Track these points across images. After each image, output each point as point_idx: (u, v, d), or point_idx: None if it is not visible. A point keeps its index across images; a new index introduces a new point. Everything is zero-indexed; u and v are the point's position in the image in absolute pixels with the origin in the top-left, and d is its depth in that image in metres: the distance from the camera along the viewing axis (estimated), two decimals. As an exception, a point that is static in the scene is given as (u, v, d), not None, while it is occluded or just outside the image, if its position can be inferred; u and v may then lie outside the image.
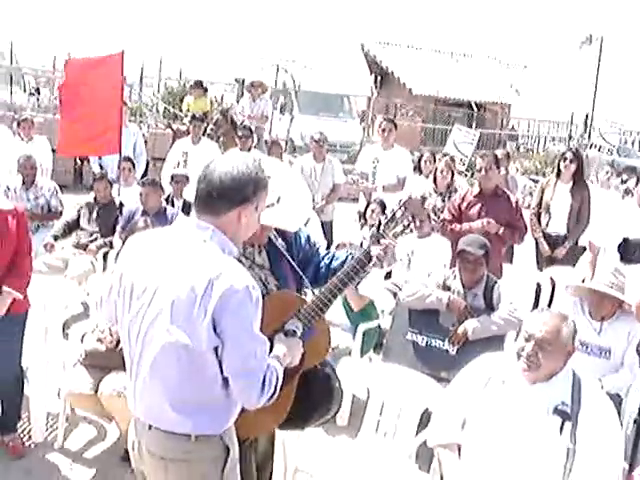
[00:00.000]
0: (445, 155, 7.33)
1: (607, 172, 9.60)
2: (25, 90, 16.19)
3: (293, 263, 2.94)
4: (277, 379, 2.17)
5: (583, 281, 4.76)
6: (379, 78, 22.98)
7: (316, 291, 2.80)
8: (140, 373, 2.19)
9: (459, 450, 2.96)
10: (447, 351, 4.30)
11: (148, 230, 2.35)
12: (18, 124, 8.60)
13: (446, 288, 4.51)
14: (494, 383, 2.97)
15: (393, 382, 3.83)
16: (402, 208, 2.78)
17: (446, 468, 2.91)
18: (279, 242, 2.94)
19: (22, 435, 4.21)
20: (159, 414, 2.18)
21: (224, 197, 2.10)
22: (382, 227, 2.81)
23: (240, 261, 2.54)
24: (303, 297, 2.86)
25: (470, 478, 2.85)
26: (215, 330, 2.04)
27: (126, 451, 4.01)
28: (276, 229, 2.90)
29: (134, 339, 2.18)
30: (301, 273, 2.94)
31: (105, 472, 3.98)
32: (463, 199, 5.72)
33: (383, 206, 6.26)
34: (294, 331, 2.54)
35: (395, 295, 4.93)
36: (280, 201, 2.63)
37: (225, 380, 2.14)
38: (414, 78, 24.43)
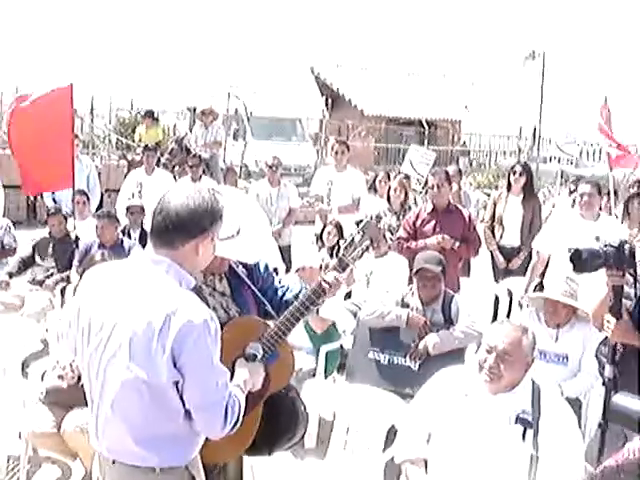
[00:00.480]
0: (401, 174, 7.43)
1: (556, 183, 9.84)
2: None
3: (255, 290, 2.95)
4: (239, 407, 2.18)
5: (535, 290, 4.88)
6: (330, 100, 23.24)
7: (277, 317, 2.84)
8: (101, 409, 2.18)
9: (426, 465, 3.00)
10: (410, 367, 4.34)
11: (105, 264, 2.33)
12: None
13: (405, 305, 4.56)
14: (456, 396, 3.02)
15: (358, 401, 3.85)
16: (360, 232, 2.82)
17: (413, 484, 2.94)
18: (240, 269, 2.95)
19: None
20: (122, 449, 2.16)
21: (181, 230, 2.10)
22: (342, 252, 2.84)
23: (200, 289, 2.56)
24: (265, 322, 2.87)
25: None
26: (175, 365, 2.03)
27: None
28: None
29: (94, 375, 2.17)
30: (263, 299, 2.97)
31: (71, 512, 3.91)
32: (417, 216, 5.82)
33: (339, 228, 6.33)
34: (255, 355, 2.56)
35: (355, 315, 4.97)
36: (240, 233, 2.64)
37: (188, 412, 2.14)
38: (365, 99, 24.72)
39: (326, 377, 4.83)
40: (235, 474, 3.16)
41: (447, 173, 5.90)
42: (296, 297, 2.95)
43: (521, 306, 5.68)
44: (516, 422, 2.88)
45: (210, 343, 2.06)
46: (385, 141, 22.64)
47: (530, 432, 2.85)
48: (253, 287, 2.95)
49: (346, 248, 2.83)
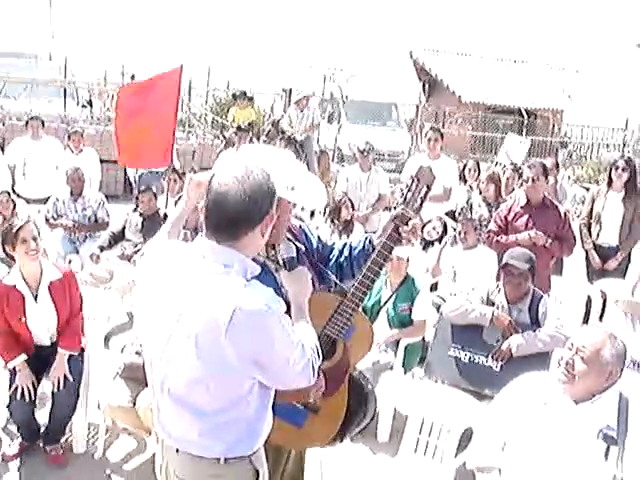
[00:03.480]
0: (497, 164, 7.19)
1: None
2: (78, 103, 16.53)
3: (314, 260, 2.85)
4: (317, 349, 2.16)
5: (633, 295, 4.58)
6: (427, 86, 22.82)
7: (346, 286, 2.73)
8: (163, 399, 2.13)
9: (499, 474, 2.86)
10: (491, 368, 4.18)
11: (171, 247, 2.23)
12: (69, 137, 8.78)
13: (490, 303, 4.39)
14: (536, 404, 2.86)
15: (434, 399, 3.74)
16: (415, 181, 2.67)
17: (485, 493, 2.81)
18: (296, 244, 2.86)
19: (64, 445, 4.26)
20: (187, 439, 2.12)
21: (242, 221, 1.99)
22: (402, 207, 2.67)
23: (265, 265, 2.49)
24: (336, 296, 2.75)
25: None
26: (246, 358, 1.96)
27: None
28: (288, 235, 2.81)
29: (156, 363, 2.12)
30: (324, 269, 2.87)
31: (144, 484, 3.99)
32: (510, 210, 5.58)
33: (444, 225, 6.28)
34: (291, 258, 2.59)
35: (439, 308, 4.83)
36: (295, 189, 2.52)
37: (256, 402, 2.09)
38: (463, 85, 24.12)
39: (405, 372, 4.72)
40: (296, 468, 3.11)
41: (544, 166, 5.62)
42: (363, 250, 2.84)
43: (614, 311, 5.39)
44: (599, 437, 2.69)
45: (281, 327, 1.98)
46: (482, 129, 22.04)
47: (614, 450, 2.66)
48: (312, 258, 2.85)
49: (405, 200, 2.68)
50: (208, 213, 2.00)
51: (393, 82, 22.64)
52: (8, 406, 4.02)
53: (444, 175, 7.23)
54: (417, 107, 18.90)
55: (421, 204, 2.67)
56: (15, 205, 6.55)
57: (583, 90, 25.73)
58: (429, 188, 2.64)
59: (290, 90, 14.24)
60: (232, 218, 1.97)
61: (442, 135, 7.44)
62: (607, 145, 24.11)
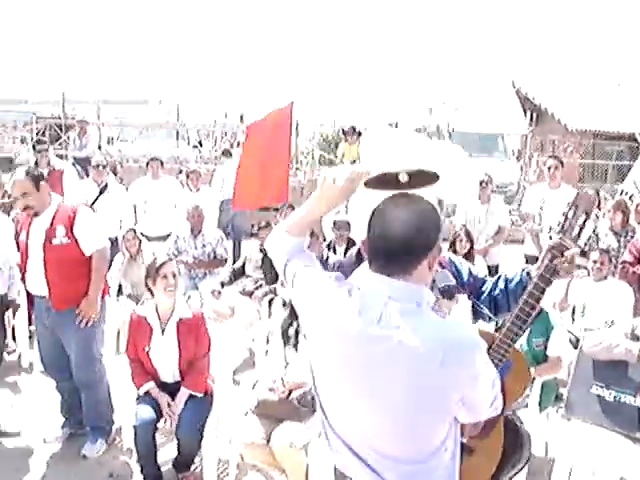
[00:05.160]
0: (622, 193, 6.86)
1: None
2: (189, 143, 17.16)
3: (465, 293, 2.74)
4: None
5: None
6: (532, 115, 22.28)
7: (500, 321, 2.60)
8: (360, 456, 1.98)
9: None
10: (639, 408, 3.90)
11: (331, 286, 2.00)
12: (187, 176, 9.05)
13: (635, 338, 4.11)
14: None
15: (582, 441, 3.51)
16: (573, 207, 2.51)
17: None
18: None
19: (195, 474, 4.30)
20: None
21: (412, 253, 1.87)
22: (558, 235, 2.52)
23: None
24: (489, 332, 2.63)
25: None
26: (455, 394, 1.84)
27: (295, 503, 4.01)
28: None
29: (353, 415, 1.95)
30: (477, 302, 2.74)
31: (277, 524, 3.93)
32: (647, 239, 5.28)
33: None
34: (448, 286, 2.52)
35: (577, 344, 4.58)
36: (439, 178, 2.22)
37: (451, 446, 1.97)
38: (569, 113, 23.40)
39: (541, 411, 4.48)
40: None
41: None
42: (520, 284, 2.69)
43: None
44: None
45: (486, 361, 1.88)
46: (591, 157, 21.27)
47: None
48: (463, 289, 2.72)
49: (562, 228, 2.52)
50: (374, 243, 1.91)
51: (497, 112, 22.26)
52: (135, 440, 4.07)
53: (565, 204, 6.96)
54: (524, 137, 18.48)
55: (580, 232, 2.51)
56: (141, 242, 6.76)
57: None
58: (588, 215, 2.48)
59: (397, 124, 14.25)
60: (402, 250, 1.87)
61: (562, 163, 7.18)
62: None
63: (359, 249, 5.70)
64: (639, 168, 8.97)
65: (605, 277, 5.64)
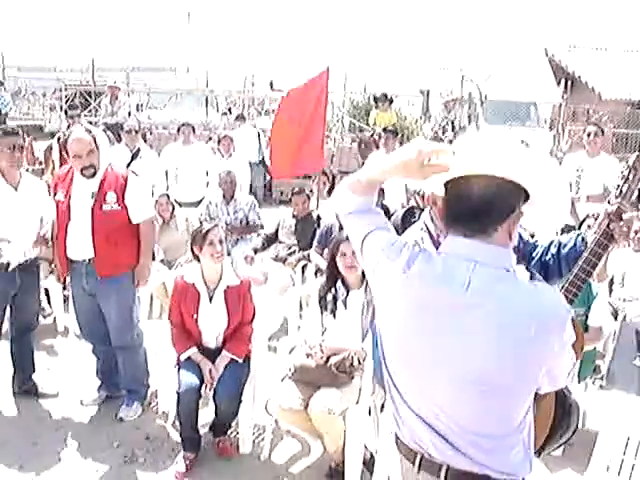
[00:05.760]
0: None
1: None
2: (218, 110, 17.08)
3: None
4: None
5: None
6: (565, 83, 21.82)
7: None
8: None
9: None
10: (684, 380, 3.82)
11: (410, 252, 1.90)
12: (219, 141, 9.00)
13: (680, 309, 4.03)
14: None
15: (627, 413, 3.43)
16: (633, 169, 2.41)
17: None
18: None
19: (232, 439, 4.33)
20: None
21: (492, 213, 1.79)
22: (617, 199, 2.43)
23: None
24: None
25: None
26: (544, 363, 1.80)
27: (330, 468, 4.01)
28: None
29: (436, 384, 1.87)
30: (528, 267, 2.66)
31: (312, 489, 3.94)
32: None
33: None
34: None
35: (616, 316, 4.49)
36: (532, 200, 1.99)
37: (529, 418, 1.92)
38: (603, 82, 22.87)
39: (580, 381, 4.42)
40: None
41: None
42: (574, 248, 2.61)
43: None
44: None
45: (571, 329, 1.81)
46: (625, 127, 20.83)
47: None
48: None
49: (621, 192, 2.42)
50: (454, 204, 1.84)
51: (530, 81, 21.84)
52: (177, 405, 4.08)
53: (605, 173, 6.80)
54: (555, 106, 18.14)
55: (639, 196, 2.41)
56: (174, 208, 6.75)
57: None
58: None
59: (428, 92, 14.04)
60: (483, 208, 1.78)
61: (602, 131, 7.00)
62: None
63: (405, 212, 5.62)
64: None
65: (645, 247, 5.51)
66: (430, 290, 1.82)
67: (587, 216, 6.08)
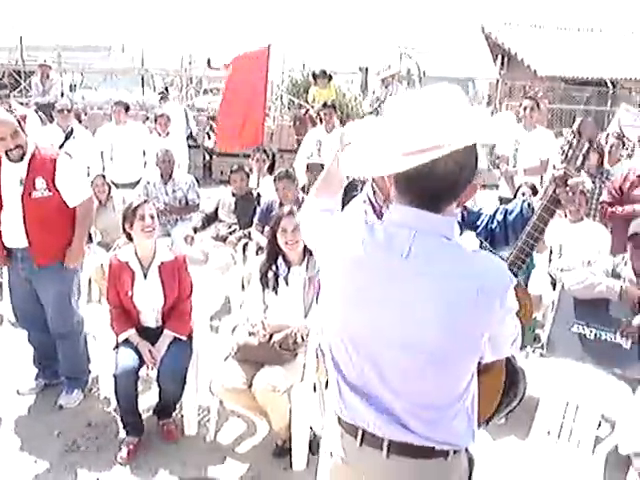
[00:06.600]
0: (607, 136, 6.82)
1: None
2: (155, 90, 16.75)
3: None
4: None
5: None
6: (501, 60, 22.12)
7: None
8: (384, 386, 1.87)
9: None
10: (620, 345, 3.92)
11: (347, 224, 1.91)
12: (155, 120, 8.81)
13: (616, 276, 4.12)
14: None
15: (565, 378, 3.50)
16: (576, 135, 2.39)
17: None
18: None
19: (176, 421, 4.26)
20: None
21: (450, 193, 1.74)
22: (562, 164, 2.41)
23: None
24: None
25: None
26: (485, 330, 1.76)
27: (277, 446, 3.99)
28: None
29: (376, 346, 1.83)
30: (477, 238, 2.65)
31: (258, 468, 3.90)
32: (625, 179, 5.26)
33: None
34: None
35: (554, 286, 4.57)
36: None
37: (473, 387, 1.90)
38: (539, 58, 23.30)
39: (520, 349, 4.48)
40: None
41: (663, 131, 5.27)
42: (520, 215, 2.62)
43: None
44: None
45: (514, 297, 1.78)
46: (560, 102, 21.28)
47: None
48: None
49: (566, 157, 2.42)
50: (407, 184, 1.75)
51: (467, 58, 22.04)
52: (115, 388, 3.98)
53: (541, 146, 6.91)
54: (491, 83, 18.38)
55: (583, 162, 2.41)
56: (110, 189, 6.58)
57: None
58: (592, 143, 2.38)
59: (367, 68, 14.02)
60: (443, 190, 1.72)
61: (538, 105, 7.11)
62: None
63: (347, 185, 5.57)
64: (624, 113, 8.95)
65: (582, 218, 5.62)
66: (370, 259, 1.78)
67: (521, 185, 6.17)
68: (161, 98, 12.73)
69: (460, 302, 1.70)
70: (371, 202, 2.62)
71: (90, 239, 6.67)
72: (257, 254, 5.99)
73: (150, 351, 4.01)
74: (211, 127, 12.85)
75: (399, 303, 1.75)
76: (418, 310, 1.73)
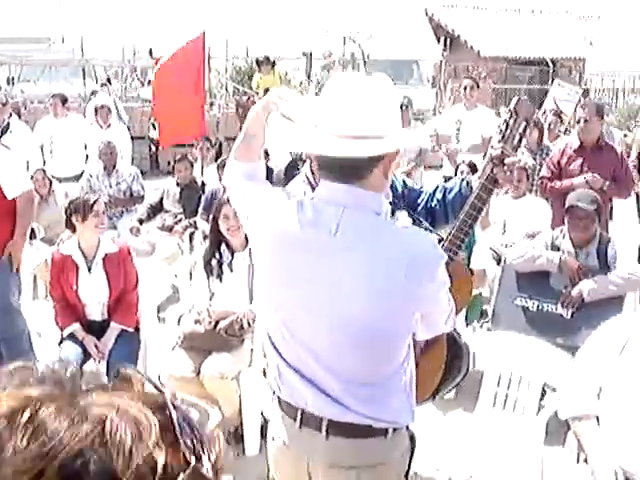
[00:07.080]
0: (545, 112, 6.96)
1: None
2: (97, 82, 16.41)
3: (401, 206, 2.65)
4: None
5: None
6: (445, 42, 22.32)
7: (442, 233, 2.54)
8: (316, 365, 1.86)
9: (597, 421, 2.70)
10: (561, 315, 4.02)
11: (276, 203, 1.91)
12: (95, 111, 8.64)
13: (555, 248, 4.21)
14: (632, 347, 2.68)
15: (509, 350, 3.58)
16: (513, 115, 2.41)
17: (586, 441, 2.64)
18: None
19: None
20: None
21: (365, 160, 1.72)
22: (500, 143, 2.43)
23: None
24: None
25: (614, 451, 2.58)
26: (416, 307, 1.78)
27: (229, 433, 3.98)
28: None
29: (308, 327, 1.83)
30: (414, 215, 2.67)
31: (211, 455, 3.89)
32: (562, 154, 5.36)
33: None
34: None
35: (499, 261, 4.65)
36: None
37: (410, 364, 1.91)
38: (481, 39, 23.56)
39: (467, 325, 4.56)
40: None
41: (598, 106, 5.39)
42: (459, 193, 2.63)
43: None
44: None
45: (445, 274, 1.79)
46: (503, 82, 21.60)
47: None
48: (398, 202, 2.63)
49: (503, 137, 2.44)
50: (331, 161, 1.76)
51: (411, 40, 22.16)
52: None
53: (482, 125, 7.01)
54: (437, 64, 18.54)
55: (520, 141, 2.45)
56: (51, 183, 6.45)
57: (606, 37, 25.07)
58: (528, 123, 2.41)
59: (311, 54, 13.97)
60: (357, 161, 1.71)
61: (478, 85, 7.21)
62: (632, 90, 23.56)
63: (287, 165, 5.58)
64: (558, 88, 9.11)
65: (524, 194, 5.73)
66: (300, 236, 1.79)
67: (460, 162, 6.24)
68: (92, 92, 12.57)
69: (389, 276, 1.70)
70: (310, 182, 2.63)
71: (33, 235, 6.54)
72: (204, 243, 5.97)
73: (96, 345, 3.96)
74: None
75: (328, 280, 1.75)
76: (347, 286, 1.73)
